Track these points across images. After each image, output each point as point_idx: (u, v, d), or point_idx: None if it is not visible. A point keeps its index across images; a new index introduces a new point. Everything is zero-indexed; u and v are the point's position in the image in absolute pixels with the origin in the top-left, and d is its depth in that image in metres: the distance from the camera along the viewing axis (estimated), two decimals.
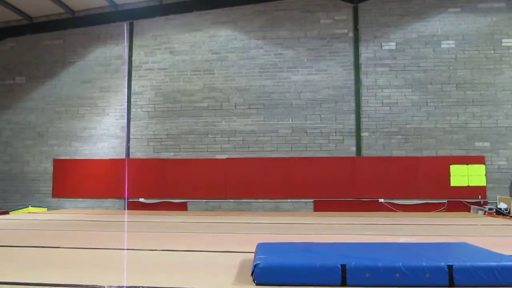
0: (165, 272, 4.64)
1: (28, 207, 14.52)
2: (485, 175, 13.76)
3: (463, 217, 11.79)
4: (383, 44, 14.62)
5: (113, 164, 15.11)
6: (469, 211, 13.49)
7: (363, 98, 14.46)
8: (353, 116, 14.43)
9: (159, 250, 6.11)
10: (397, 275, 3.89)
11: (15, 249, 6.33)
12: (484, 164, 13.80)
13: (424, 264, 3.95)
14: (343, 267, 3.92)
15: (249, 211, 14.29)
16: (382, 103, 14.40)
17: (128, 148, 15.24)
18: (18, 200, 15.51)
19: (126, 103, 15.39)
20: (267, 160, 14.54)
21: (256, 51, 15.06)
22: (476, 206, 13.33)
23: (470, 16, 14.41)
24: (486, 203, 13.47)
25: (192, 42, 15.40)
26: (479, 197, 13.63)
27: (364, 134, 14.36)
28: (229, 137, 14.80)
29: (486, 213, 12.57)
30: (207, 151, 14.90)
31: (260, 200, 14.44)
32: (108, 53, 15.74)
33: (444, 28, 14.45)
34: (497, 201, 13.20)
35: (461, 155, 13.94)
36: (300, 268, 3.98)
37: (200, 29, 15.40)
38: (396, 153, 14.20)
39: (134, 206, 14.82)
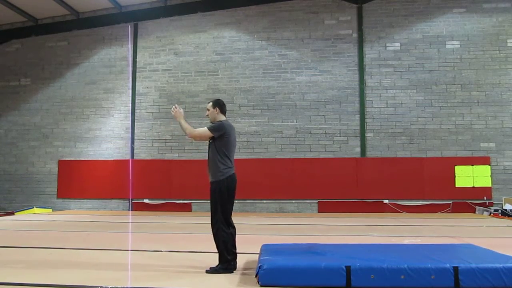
0: (169, 273, 4.65)
1: (33, 208, 14.56)
2: (491, 176, 13.69)
3: (469, 218, 11.73)
4: (387, 44, 14.58)
5: (118, 165, 15.14)
6: (474, 212, 13.41)
7: (367, 99, 14.42)
8: (357, 117, 14.40)
9: (164, 251, 6.13)
10: (402, 276, 3.88)
11: (20, 250, 6.35)
12: (489, 165, 13.72)
13: (429, 265, 3.93)
14: (348, 268, 3.92)
15: (253, 212, 14.28)
16: (387, 103, 14.36)
17: (132, 149, 15.27)
18: (23, 201, 15.57)
19: (130, 104, 15.43)
20: (271, 161, 14.52)
21: (260, 52, 15.05)
22: (482, 207, 13.26)
23: (475, 17, 14.35)
24: (491, 204, 13.40)
25: (196, 43, 15.42)
26: (485, 198, 13.56)
27: (368, 135, 14.32)
28: None
29: (492, 214, 12.49)
30: None
31: (265, 201, 14.43)
32: (113, 55, 15.78)
33: (449, 28, 14.40)
34: (503, 202, 13.11)
35: (466, 156, 13.87)
36: (305, 270, 3.97)
37: (204, 30, 15.42)
38: (400, 154, 14.15)
39: (138, 207, 14.86)
